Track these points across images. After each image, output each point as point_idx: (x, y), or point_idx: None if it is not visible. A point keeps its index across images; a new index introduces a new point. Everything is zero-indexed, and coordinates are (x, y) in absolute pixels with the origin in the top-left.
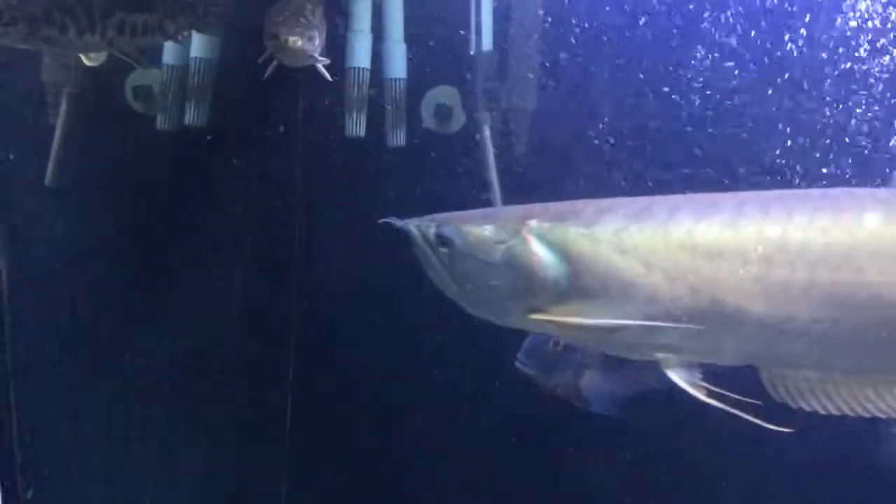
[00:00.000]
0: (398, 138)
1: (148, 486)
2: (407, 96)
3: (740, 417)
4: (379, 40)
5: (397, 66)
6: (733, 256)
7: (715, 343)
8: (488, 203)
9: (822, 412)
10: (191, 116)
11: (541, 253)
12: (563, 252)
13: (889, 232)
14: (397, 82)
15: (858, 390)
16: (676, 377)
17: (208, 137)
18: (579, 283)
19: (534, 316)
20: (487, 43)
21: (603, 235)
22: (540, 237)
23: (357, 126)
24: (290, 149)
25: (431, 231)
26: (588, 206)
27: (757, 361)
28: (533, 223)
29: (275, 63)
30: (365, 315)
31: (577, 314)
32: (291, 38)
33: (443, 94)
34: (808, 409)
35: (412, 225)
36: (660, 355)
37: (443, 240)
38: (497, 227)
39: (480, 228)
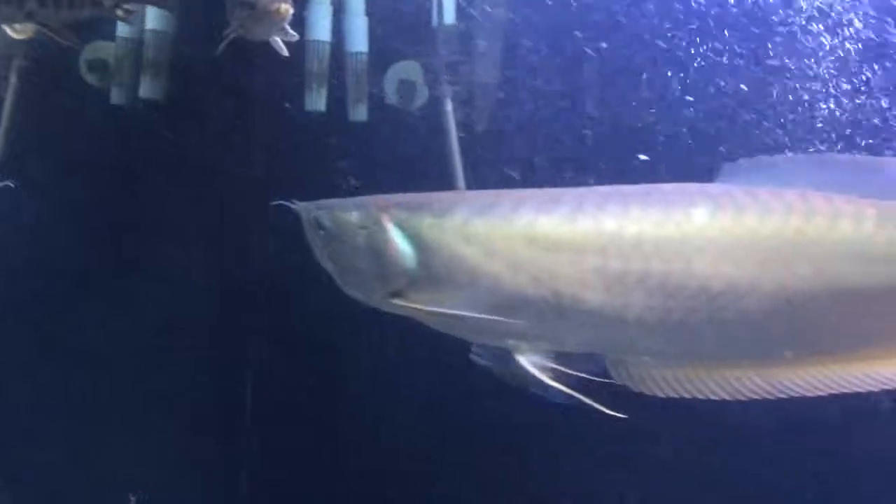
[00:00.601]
0: (359, 113)
1: (107, 481)
2: (369, 71)
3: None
4: (340, 13)
5: (358, 39)
6: (571, 248)
7: (557, 331)
8: (450, 178)
9: (662, 395)
10: (145, 90)
11: (395, 240)
12: (415, 240)
13: (715, 226)
14: (358, 56)
15: (693, 373)
16: (525, 363)
17: (164, 112)
18: (429, 271)
19: (391, 300)
20: (450, 16)
21: (450, 225)
22: (397, 225)
23: (317, 100)
24: (249, 123)
25: (311, 215)
26: (444, 196)
27: (598, 348)
28: (392, 211)
29: (231, 37)
30: (328, 292)
31: (429, 300)
32: (284, 6)
33: (406, 69)
34: (648, 392)
35: (300, 207)
36: (510, 342)
37: (318, 223)
38: (361, 213)
39: (347, 214)
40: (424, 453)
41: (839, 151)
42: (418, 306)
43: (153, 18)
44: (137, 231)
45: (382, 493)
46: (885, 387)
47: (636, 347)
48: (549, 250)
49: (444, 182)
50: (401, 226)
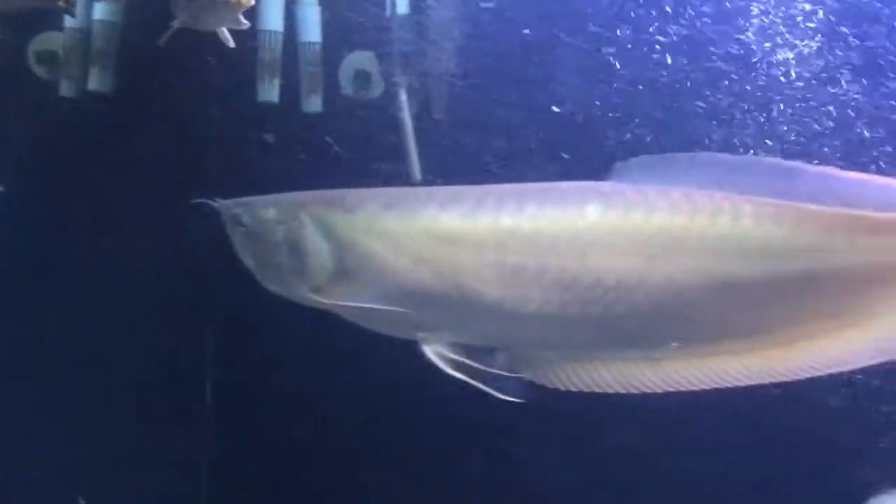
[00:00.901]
0: (314, 104)
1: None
2: (323, 61)
3: None
4: (292, 3)
5: (311, 29)
6: (471, 244)
7: (462, 325)
8: (406, 168)
9: (563, 388)
10: (94, 83)
11: (311, 235)
12: (329, 235)
13: (605, 222)
14: (311, 46)
15: (590, 367)
16: (432, 355)
17: (114, 104)
18: (342, 265)
19: (310, 295)
20: (403, 6)
21: (360, 220)
22: (313, 220)
23: (270, 91)
24: (202, 114)
25: (231, 212)
26: (358, 192)
27: (501, 342)
28: (309, 207)
29: (175, 28)
30: None
31: (345, 294)
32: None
33: (361, 59)
34: (550, 385)
35: (220, 205)
36: (420, 334)
37: (237, 219)
38: (279, 209)
39: (266, 211)
40: (380, 441)
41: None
42: (333, 301)
43: (101, 9)
44: (87, 224)
45: (340, 481)
46: (775, 379)
47: (536, 341)
48: (451, 245)
49: (400, 172)
50: (315, 221)
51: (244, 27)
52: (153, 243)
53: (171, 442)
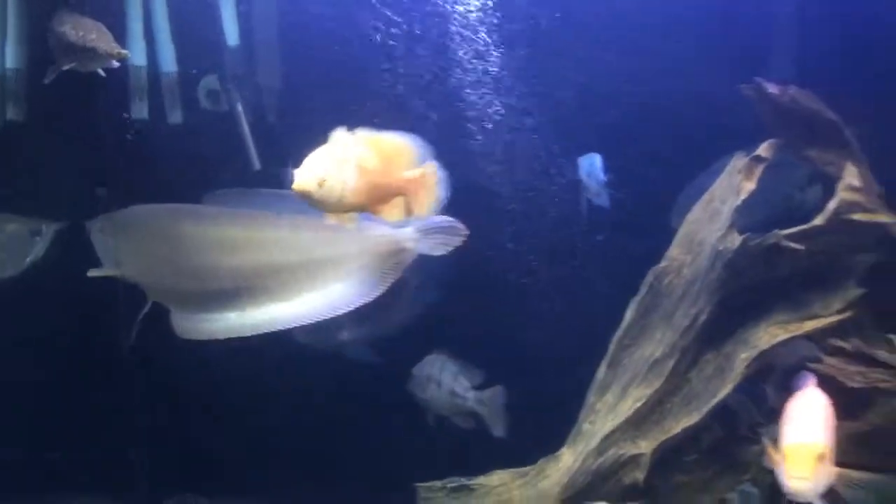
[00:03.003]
0: (176, 117)
1: None
2: (183, 84)
3: None
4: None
5: (168, 62)
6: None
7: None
8: (247, 162)
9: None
10: (10, 113)
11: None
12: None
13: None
14: (170, 75)
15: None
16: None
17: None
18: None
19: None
20: (233, 38)
21: (119, 227)
22: (98, 231)
23: (141, 109)
24: (89, 131)
25: (93, 226)
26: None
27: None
28: (98, 220)
29: (58, 69)
30: None
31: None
32: (125, 51)
33: (211, 81)
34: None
35: (88, 224)
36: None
37: (97, 231)
38: (94, 223)
39: (90, 224)
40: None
41: None
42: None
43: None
44: None
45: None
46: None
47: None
48: (173, 247)
49: (245, 164)
50: (100, 231)
51: (116, 66)
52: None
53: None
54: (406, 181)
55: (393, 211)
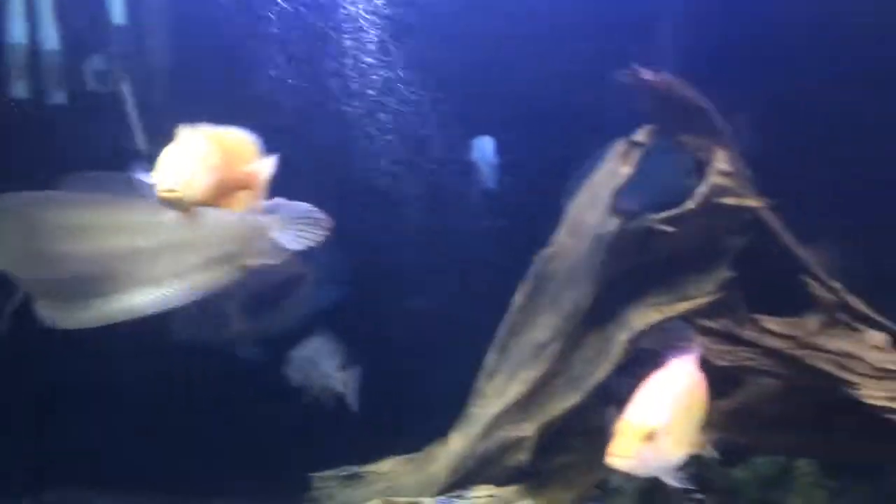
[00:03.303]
0: (59, 98)
1: None
2: (68, 63)
3: None
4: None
5: (50, 40)
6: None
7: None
8: (133, 141)
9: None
10: None
11: None
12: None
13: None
14: (52, 53)
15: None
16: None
17: None
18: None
19: None
20: (120, 18)
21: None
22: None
23: (21, 89)
24: None
25: None
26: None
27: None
28: None
29: None
30: None
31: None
32: None
33: (97, 60)
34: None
35: None
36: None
37: None
38: None
39: None
40: None
41: None
42: None
43: None
44: None
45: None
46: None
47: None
48: (36, 235)
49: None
50: None
51: None
52: None
53: None
54: (247, 175)
55: (236, 206)
